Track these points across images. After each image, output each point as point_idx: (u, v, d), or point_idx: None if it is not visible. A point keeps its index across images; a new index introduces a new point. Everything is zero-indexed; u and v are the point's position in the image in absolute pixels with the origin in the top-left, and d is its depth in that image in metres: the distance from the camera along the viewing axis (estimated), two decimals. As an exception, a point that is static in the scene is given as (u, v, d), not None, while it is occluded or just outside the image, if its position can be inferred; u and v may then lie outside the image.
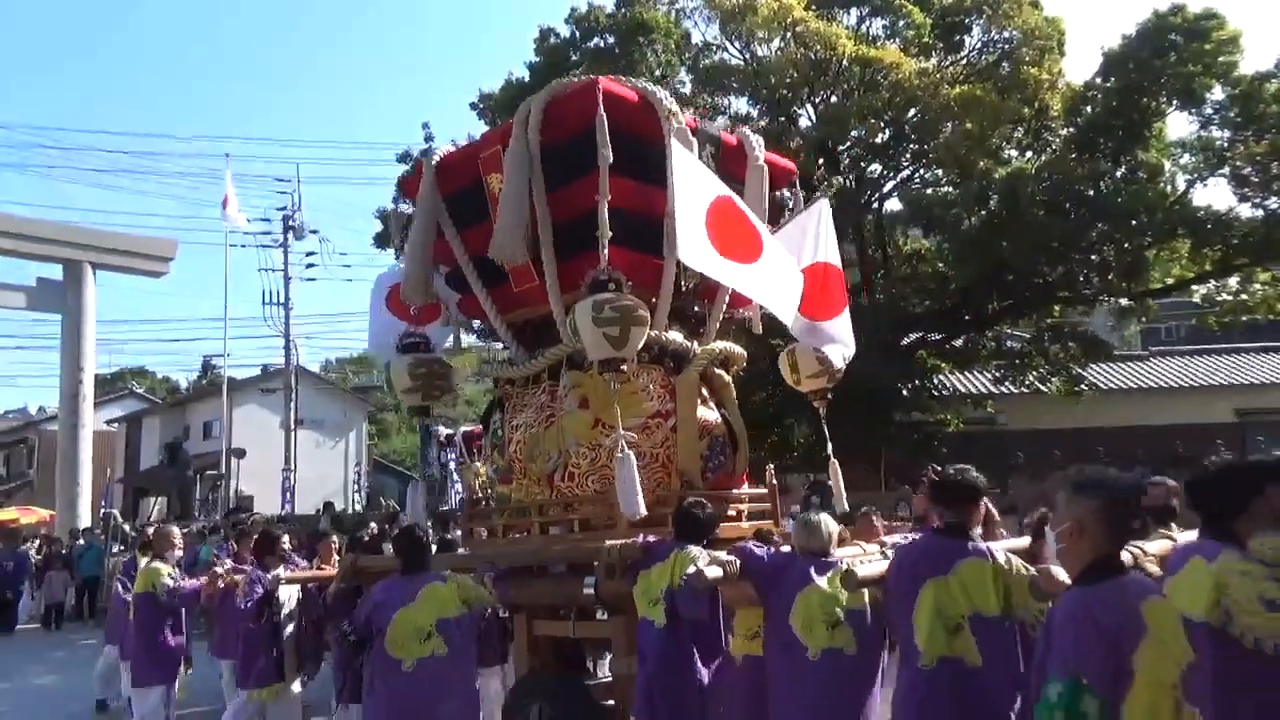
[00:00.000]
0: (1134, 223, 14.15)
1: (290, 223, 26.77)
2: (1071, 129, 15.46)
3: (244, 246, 26.71)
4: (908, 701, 3.48)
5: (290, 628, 6.65)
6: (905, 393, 16.60)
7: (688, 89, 17.13)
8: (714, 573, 4.06)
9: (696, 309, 6.19)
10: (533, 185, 5.67)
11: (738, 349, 6.44)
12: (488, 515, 6.45)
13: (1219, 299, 17.17)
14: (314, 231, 27.10)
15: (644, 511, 4.97)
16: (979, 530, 3.72)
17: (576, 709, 5.13)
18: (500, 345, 7.04)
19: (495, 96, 17.18)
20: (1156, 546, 3.30)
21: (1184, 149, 15.65)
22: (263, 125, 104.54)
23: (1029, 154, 16.06)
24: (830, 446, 6.99)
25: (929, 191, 16.73)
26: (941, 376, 19.11)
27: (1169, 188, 15.28)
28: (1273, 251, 14.35)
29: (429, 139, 18.21)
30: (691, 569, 4.08)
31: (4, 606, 16.30)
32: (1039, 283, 15.21)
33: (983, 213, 14.84)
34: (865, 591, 3.91)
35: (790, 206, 6.86)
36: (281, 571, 6.53)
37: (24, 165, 79.78)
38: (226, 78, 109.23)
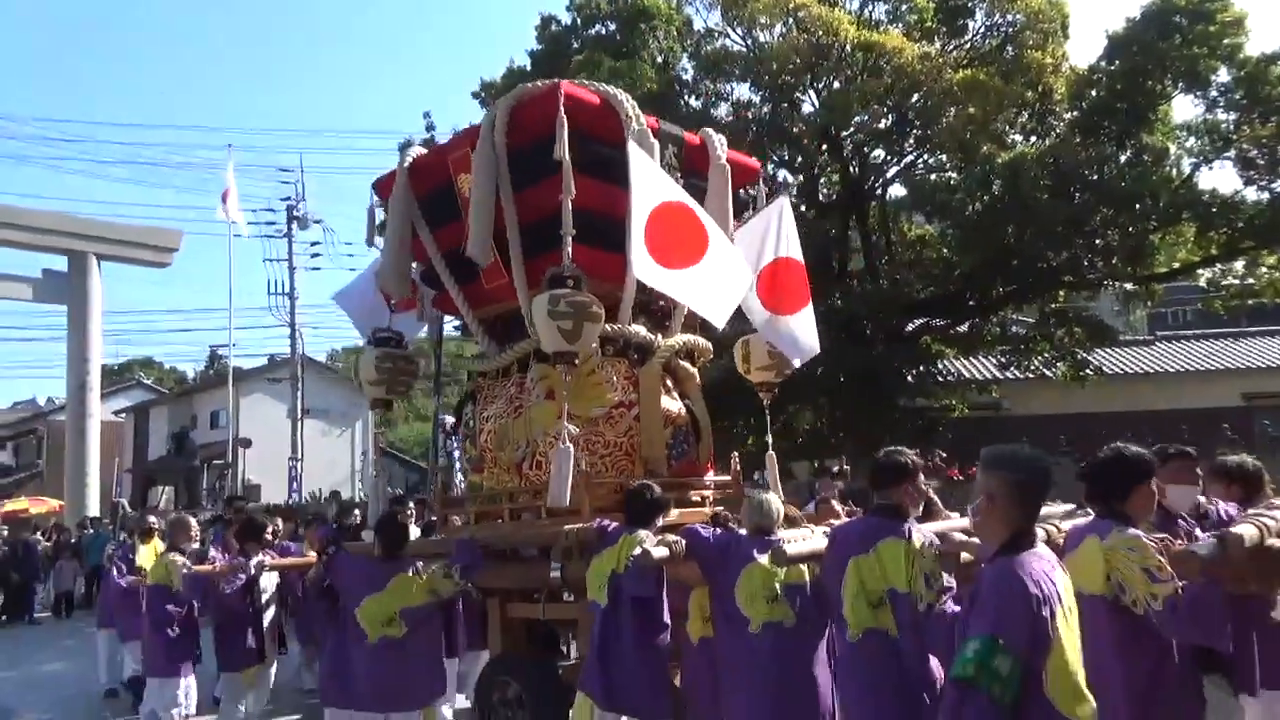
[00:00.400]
0: (1139, 206, 14.09)
1: (294, 213, 26.83)
2: (1076, 113, 15.36)
3: (249, 237, 26.78)
4: (841, 671, 3.81)
5: (270, 612, 6.85)
6: (909, 378, 16.59)
7: (689, 75, 17.08)
8: (660, 552, 4.32)
9: (661, 303, 6.36)
10: (500, 186, 5.91)
11: (703, 341, 6.71)
12: (461, 503, 6.75)
13: (1225, 283, 17.11)
14: (318, 221, 27.19)
15: (567, 502, 5.27)
16: (918, 510, 3.86)
17: (546, 688, 5.36)
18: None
19: (497, 85, 17.14)
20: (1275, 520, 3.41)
21: (1189, 132, 15.56)
22: (266, 116, 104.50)
23: (1033, 138, 15.97)
24: (770, 438, 7.20)
25: (932, 177, 16.67)
26: (946, 362, 19.09)
27: (1174, 171, 15.20)
28: (1279, 234, 14.27)
29: (430, 128, 18.20)
30: (638, 550, 4.33)
31: (21, 593, 16.37)
32: (1043, 268, 15.15)
33: (986, 198, 14.78)
34: (805, 568, 4.19)
35: (754, 205, 7.05)
36: (264, 558, 6.67)
37: (27, 157, 79.93)
38: (230, 68, 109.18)
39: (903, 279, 16.31)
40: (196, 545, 7.26)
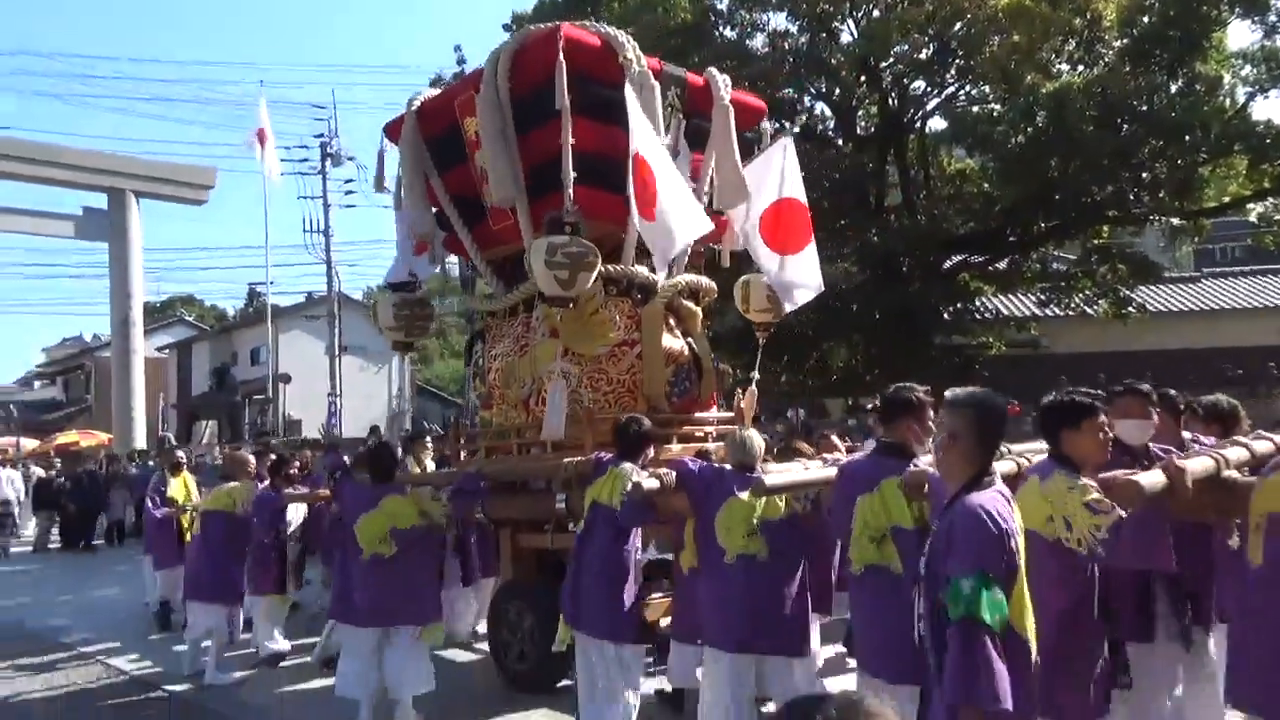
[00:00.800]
0: (1189, 138, 13.66)
1: (328, 150, 26.78)
2: (1125, 40, 14.82)
3: (283, 174, 26.83)
4: (850, 603, 3.98)
5: (293, 545, 7.22)
6: (946, 315, 16.41)
7: (724, 4, 16.68)
8: (650, 484, 4.54)
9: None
10: (504, 129, 6.05)
11: (706, 281, 6.87)
12: (472, 438, 7.09)
13: (1276, 218, 16.59)
14: (351, 158, 27.13)
15: (563, 435, 5.58)
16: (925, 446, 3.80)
17: (551, 613, 5.48)
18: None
19: (528, 17, 16.87)
20: (1234, 453, 3.51)
21: (1245, 60, 14.96)
22: (299, 52, 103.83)
23: (1080, 68, 15.45)
24: (754, 375, 7.34)
25: (974, 109, 16.26)
26: (984, 299, 18.84)
27: (1227, 101, 14.67)
28: (1336, 168, 13.81)
29: (461, 62, 18.03)
30: (630, 484, 4.51)
31: (81, 522, 16.88)
32: (1087, 202, 14.79)
33: (1030, 130, 14.40)
34: (782, 504, 4.38)
35: (759, 145, 7.11)
36: (291, 491, 7.00)
37: (65, 95, 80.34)
38: (263, 2, 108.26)
39: (941, 214, 16.02)
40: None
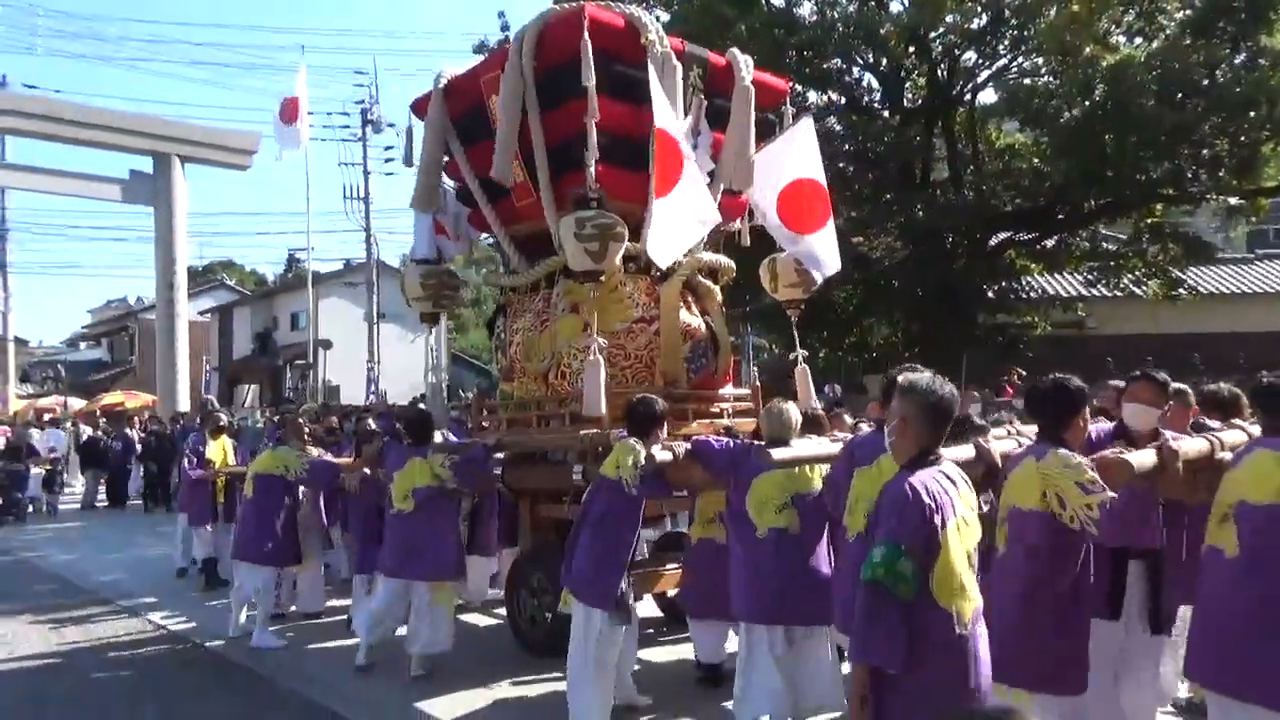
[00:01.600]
0: (1252, 115, 13.17)
1: (368, 116, 26.80)
2: (1188, 11, 14.32)
3: (323, 140, 26.90)
4: (842, 570, 4.22)
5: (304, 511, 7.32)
6: (990, 294, 16.12)
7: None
8: (664, 456, 4.66)
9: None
10: (528, 108, 6.23)
11: (725, 260, 7.03)
12: (494, 409, 7.35)
13: (1338, 198, 16.06)
14: (392, 125, 27.08)
15: (603, 411, 5.67)
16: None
17: None
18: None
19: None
20: (1230, 436, 3.72)
21: (1313, 33, 14.39)
22: (342, 17, 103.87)
23: (1139, 40, 14.99)
24: (800, 354, 7.50)
25: (1027, 82, 15.79)
26: (1030, 278, 18.46)
27: (1293, 76, 14.14)
28: (1405, 147, 13.28)
29: (505, 28, 17.86)
30: (632, 457, 4.60)
31: (114, 483, 17.33)
32: (1141, 180, 14.37)
33: (1086, 104, 13.99)
34: (814, 475, 4.54)
35: (780, 126, 7.19)
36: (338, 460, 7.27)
37: (112, 58, 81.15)
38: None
39: (988, 190, 15.67)
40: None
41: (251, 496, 6.86)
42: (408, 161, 7.74)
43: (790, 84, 15.92)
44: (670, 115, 5.83)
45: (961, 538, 2.73)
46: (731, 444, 4.77)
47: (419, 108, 7.30)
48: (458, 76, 6.99)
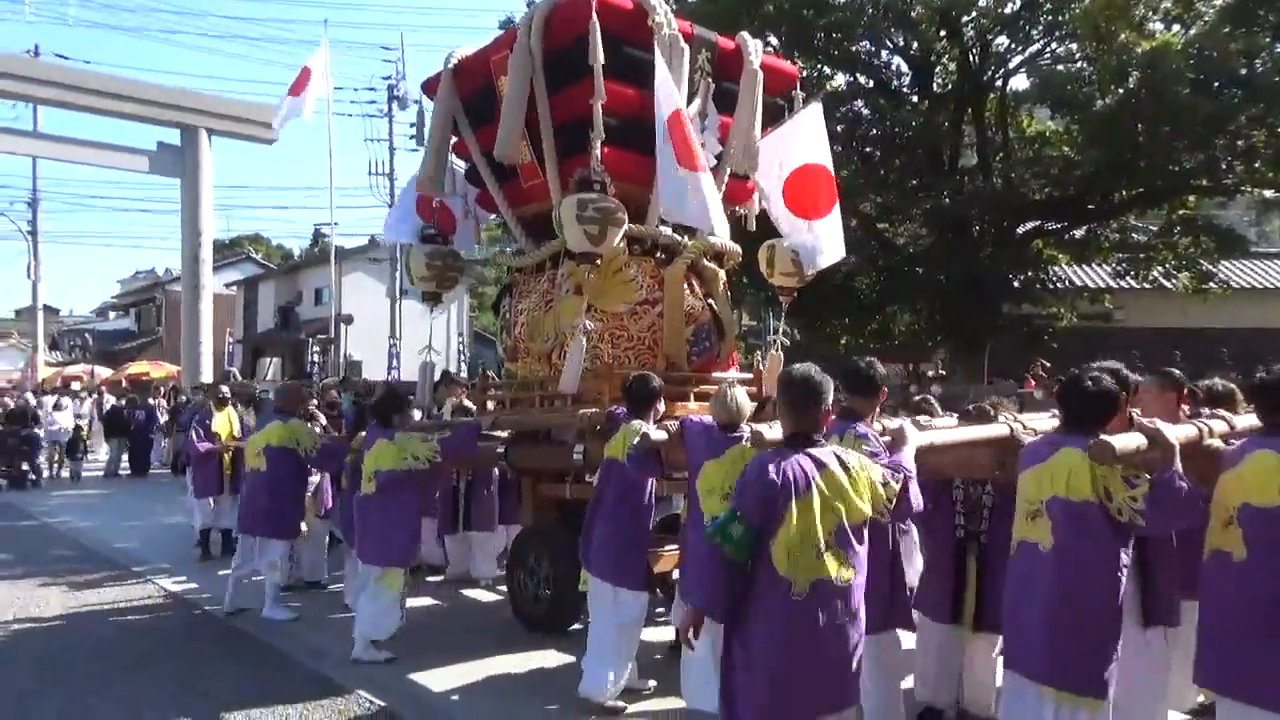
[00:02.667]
0: (1291, 105, 12.86)
1: (395, 93, 26.76)
2: (1228, -2, 13.97)
3: (349, 116, 26.92)
4: None
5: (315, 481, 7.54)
6: (1016, 284, 15.88)
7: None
8: (659, 436, 4.70)
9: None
10: (535, 88, 6.29)
11: (732, 244, 7.03)
12: (498, 388, 7.46)
13: (1377, 193, 15.64)
14: (417, 101, 27.04)
15: (576, 389, 5.85)
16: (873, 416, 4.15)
17: (568, 560, 5.80)
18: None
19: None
20: (1218, 424, 3.68)
21: (1357, 22, 13.99)
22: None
23: (1177, 26, 14.61)
24: (780, 337, 7.67)
25: (1060, 68, 15.46)
26: (1057, 268, 18.18)
27: (1335, 67, 13.77)
28: None
29: (530, 3, 17.74)
30: (638, 436, 4.66)
31: (138, 453, 17.54)
32: (1175, 170, 14.07)
33: (1120, 92, 13.70)
34: None
35: (789, 110, 7.16)
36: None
37: (140, 30, 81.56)
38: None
39: (1018, 178, 15.40)
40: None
41: (264, 469, 6.72)
42: (421, 141, 7.77)
43: (816, 65, 15.81)
44: (679, 98, 5.91)
45: (814, 515, 3.02)
46: (698, 425, 4.68)
47: (429, 88, 7.34)
48: (467, 57, 7.01)
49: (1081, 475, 3.19)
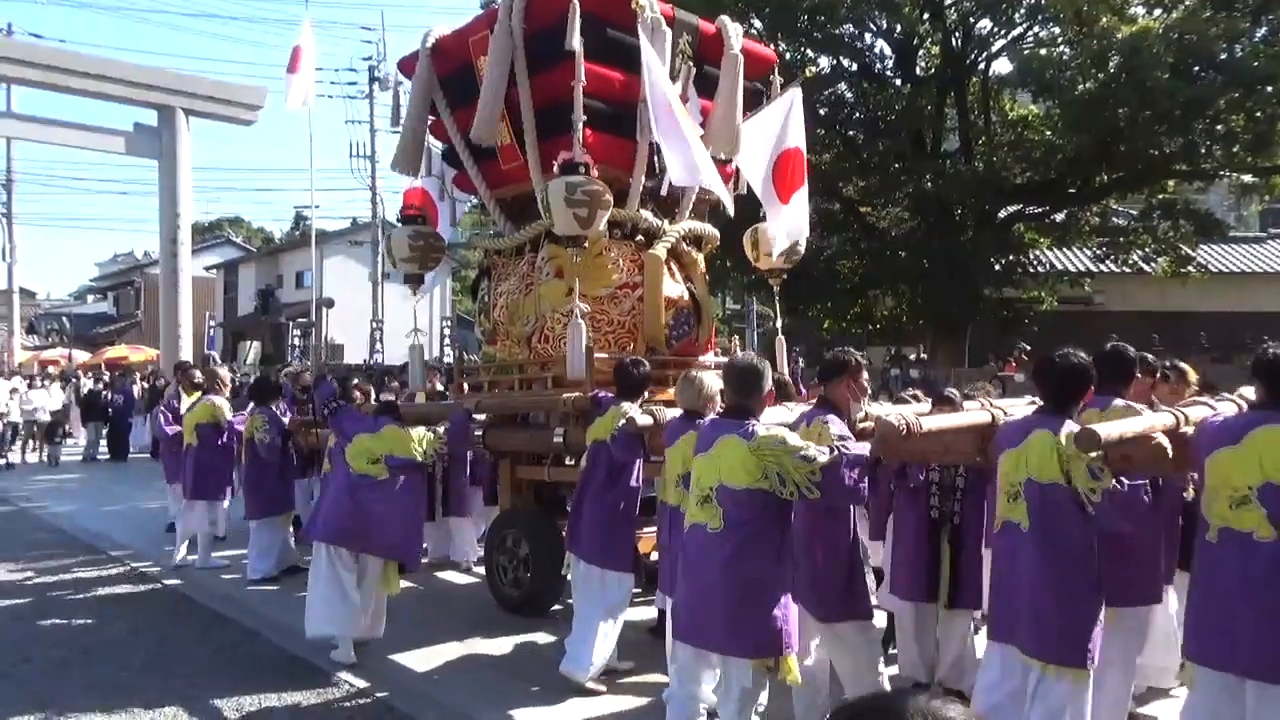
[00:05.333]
0: (1269, 90, 12.95)
1: (375, 74, 26.54)
2: (1209, -18, 14.00)
3: (330, 97, 26.66)
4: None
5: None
6: (998, 267, 15.96)
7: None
8: (644, 420, 4.71)
9: (670, 189, 6.56)
10: (516, 70, 6.24)
11: (710, 229, 7.07)
12: (476, 371, 7.44)
13: (1355, 178, 15.78)
14: (400, 83, 26.81)
15: (584, 374, 5.73)
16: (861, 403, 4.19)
17: (546, 542, 5.98)
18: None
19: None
20: (1195, 411, 3.66)
21: (1334, 7, 14.07)
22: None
23: (1158, 11, 14.67)
24: (782, 320, 7.71)
25: (1043, 52, 15.52)
26: (1038, 252, 18.28)
27: (1313, 52, 13.85)
28: None
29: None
30: (624, 420, 4.70)
31: (117, 437, 17.40)
32: (1155, 154, 14.18)
33: (1101, 76, 13.76)
34: None
35: (768, 96, 7.18)
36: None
37: (117, 8, 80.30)
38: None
39: (999, 162, 15.47)
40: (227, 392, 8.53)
41: (196, 443, 7.74)
42: (396, 120, 7.69)
43: (799, 49, 15.76)
44: (665, 79, 5.92)
45: (705, 463, 3.52)
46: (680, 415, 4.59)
47: (406, 67, 7.25)
48: (445, 36, 6.93)
49: (1049, 458, 3.27)
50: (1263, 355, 3.25)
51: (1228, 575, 3.12)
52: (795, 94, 6.91)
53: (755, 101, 7.03)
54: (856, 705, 1.07)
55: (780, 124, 6.71)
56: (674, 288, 6.57)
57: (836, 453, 3.41)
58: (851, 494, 3.53)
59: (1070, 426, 3.29)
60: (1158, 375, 4.73)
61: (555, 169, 5.79)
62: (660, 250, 6.46)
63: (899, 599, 4.66)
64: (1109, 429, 3.22)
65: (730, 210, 6.51)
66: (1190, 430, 3.45)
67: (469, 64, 6.63)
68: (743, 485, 3.41)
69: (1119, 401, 3.89)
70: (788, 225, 6.76)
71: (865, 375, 4.15)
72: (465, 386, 7.24)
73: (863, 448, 3.55)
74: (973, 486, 4.50)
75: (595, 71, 5.96)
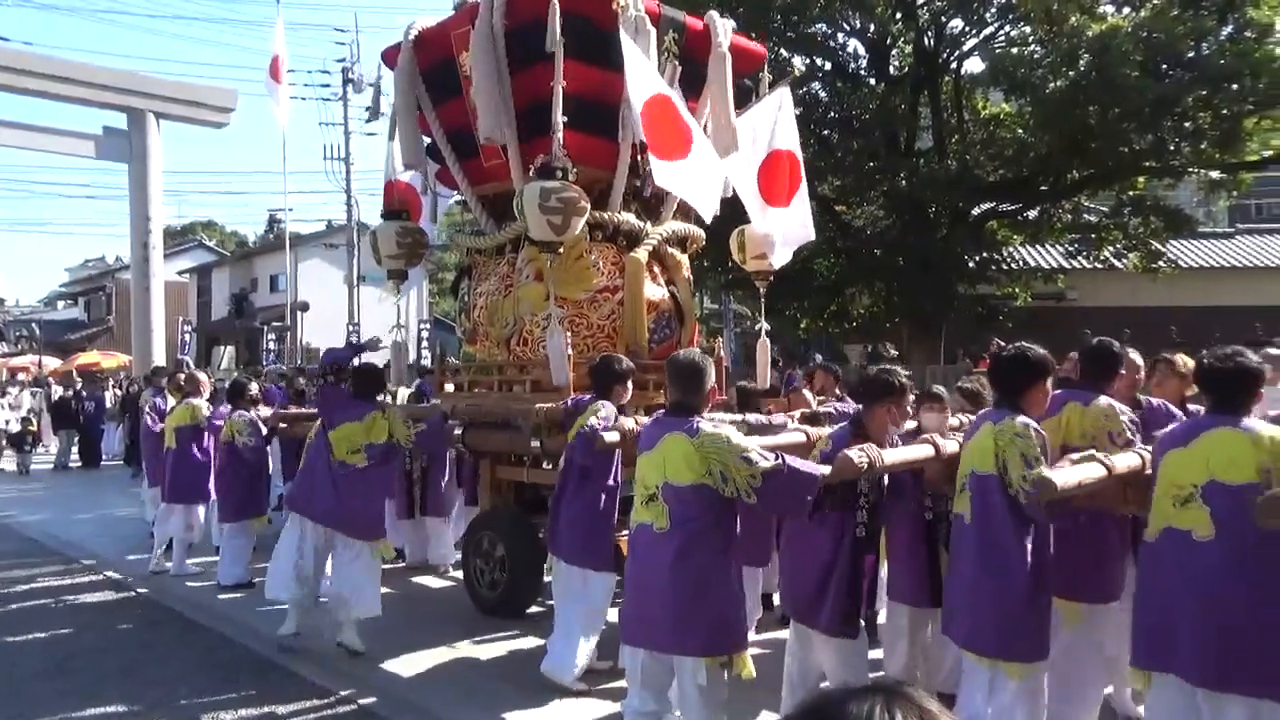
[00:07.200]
0: (1235, 87, 13.10)
1: (349, 76, 26.36)
2: (1177, -19, 14.17)
3: (303, 100, 26.47)
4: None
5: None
6: (972, 264, 16.08)
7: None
8: (612, 437, 4.71)
9: (652, 191, 6.49)
10: (497, 68, 6.09)
11: (695, 230, 6.96)
12: (456, 371, 7.35)
13: (1321, 174, 16.05)
14: (377, 80, 26.62)
15: (567, 381, 5.66)
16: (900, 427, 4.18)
17: (522, 543, 5.99)
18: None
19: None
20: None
21: (1299, 6, 14.28)
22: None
23: (1127, 9, 14.83)
24: (765, 325, 7.59)
25: (1014, 50, 15.64)
26: (1011, 249, 18.44)
27: (1278, 50, 14.05)
28: (1388, 123, 13.25)
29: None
30: (590, 425, 4.72)
31: (89, 444, 17.19)
32: (1124, 151, 14.30)
33: (1071, 74, 13.87)
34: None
35: (756, 93, 7.07)
36: (266, 412, 7.88)
37: (85, 10, 79.16)
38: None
39: (972, 160, 15.58)
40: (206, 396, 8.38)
41: (175, 446, 7.77)
42: (373, 114, 7.62)
43: (774, 48, 15.80)
44: (657, 78, 5.85)
45: (649, 462, 3.53)
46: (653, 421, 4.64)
47: (389, 57, 7.14)
48: (428, 29, 6.83)
49: (987, 449, 3.36)
50: (1204, 366, 3.26)
51: (1166, 573, 3.13)
52: (784, 93, 6.80)
53: (745, 98, 6.93)
54: (806, 704, 1.03)
55: (769, 125, 6.61)
56: (656, 290, 6.49)
57: (780, 461, 3.36)
58: (789, 507, 3.51)
59: (1020, 418, 3.38)
60: (1142, 371, 4.79)
61: (532, 172, 5.71)
62: (642, 253, 6.38)
63: (899, 603, 4.49)
64: (1066, 477, 3.22)
65: (708, 217, 6.34)
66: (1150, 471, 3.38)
67: (451, 58, 6.52)
68: (687, 482, 3.39)
69: (1103, 400, 3.92)
70: (789, 229, 6.67)
71: (911, 398, 4.09)
72: (447, 386, 7.19)
73: (817, 469, 3.45)
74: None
75: (577, 70, 5.85)
